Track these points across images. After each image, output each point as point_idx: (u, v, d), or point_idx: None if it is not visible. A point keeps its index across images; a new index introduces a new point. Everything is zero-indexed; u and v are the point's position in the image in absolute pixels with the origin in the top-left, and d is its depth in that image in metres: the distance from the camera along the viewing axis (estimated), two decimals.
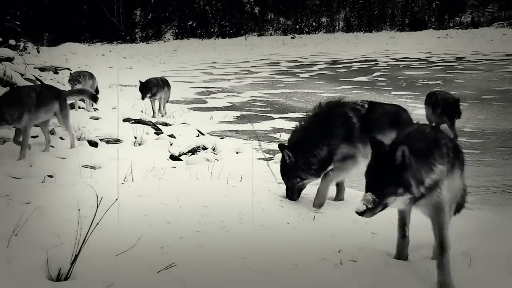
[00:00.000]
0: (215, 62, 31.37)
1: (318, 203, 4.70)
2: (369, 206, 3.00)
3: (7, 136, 7.34)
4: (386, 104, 5.31)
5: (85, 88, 8.74)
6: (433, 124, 6.40)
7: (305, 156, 4.73)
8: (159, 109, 12.17)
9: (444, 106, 9.67)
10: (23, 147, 6.32)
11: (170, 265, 3.14)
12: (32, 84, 9.73)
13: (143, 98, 11.62)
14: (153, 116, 11.43)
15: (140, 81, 11.82)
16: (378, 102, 5.28)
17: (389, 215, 4.47)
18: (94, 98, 8.04)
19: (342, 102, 4.96)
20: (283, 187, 5.03)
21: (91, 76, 11.58)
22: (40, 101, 6.49)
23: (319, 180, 4.91)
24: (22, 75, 10.36)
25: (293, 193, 4.84)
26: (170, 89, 12.42)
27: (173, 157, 7.49)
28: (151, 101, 11.85)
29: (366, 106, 4.94)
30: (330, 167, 4.86)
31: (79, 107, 11.06)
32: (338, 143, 4.74)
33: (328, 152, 4.74)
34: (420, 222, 4.43)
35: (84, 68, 19.64)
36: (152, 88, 11.68)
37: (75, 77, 11.00)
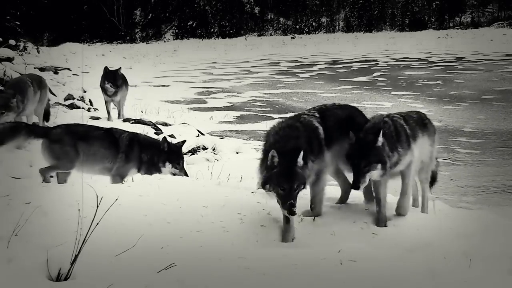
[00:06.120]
0: (215, 62, 31.35)
1: (316, 214, 4.57)
2: None
3: None
4: (337, 108, 4.69)
5: None
6: None
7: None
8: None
9: None
10: None
11: (170, 265, 3.14)
12: None
13: (116, 87, 9.60)
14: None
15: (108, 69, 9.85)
16: (328, 108, 4.64)
17: (390, 218, 4.48)
18: None
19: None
20: None
21: (38, 83, 7.72)
22: None
23: None
24: (22, 75, 10.33)
25: None
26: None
27: None
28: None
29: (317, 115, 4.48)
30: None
31: (78, 107, 10.99)
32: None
33: None
34: (419, 221, 4.43)
35: (84, 68, 19.65)
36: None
37: (6, 99, 6.78)
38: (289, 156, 3.89)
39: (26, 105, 7.07)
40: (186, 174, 5.50)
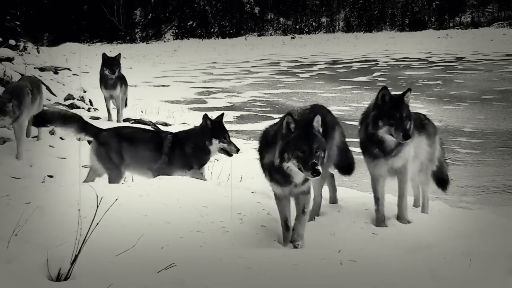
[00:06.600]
0: (215, 62, 31.33)
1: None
2: None
3: (7, 136, 7.35)
4: (309, 111, 4.41)
5: None
6: None
7: None
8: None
9: None
10: None
11: (170, 265, 3.14)
12: None
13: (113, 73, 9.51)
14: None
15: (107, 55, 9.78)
16: (301, 113, 4.34)
17: (389, 217, 4.48)
18: None
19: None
20: None
21: (37, 87, 7.57)
22: None
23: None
24: (22, 75, 10.33)
25: None
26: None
27: None
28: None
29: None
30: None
31: (78, 107, 10.97)
32: None
33: None
34: (419, 221, 4.43)
35: (84, 68, 19.63)
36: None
37: (1, 104, 6.68)
38: (304, 121, 3.76)
39: (22, 111, 6.93)
40: (236, 147, 5.44)
